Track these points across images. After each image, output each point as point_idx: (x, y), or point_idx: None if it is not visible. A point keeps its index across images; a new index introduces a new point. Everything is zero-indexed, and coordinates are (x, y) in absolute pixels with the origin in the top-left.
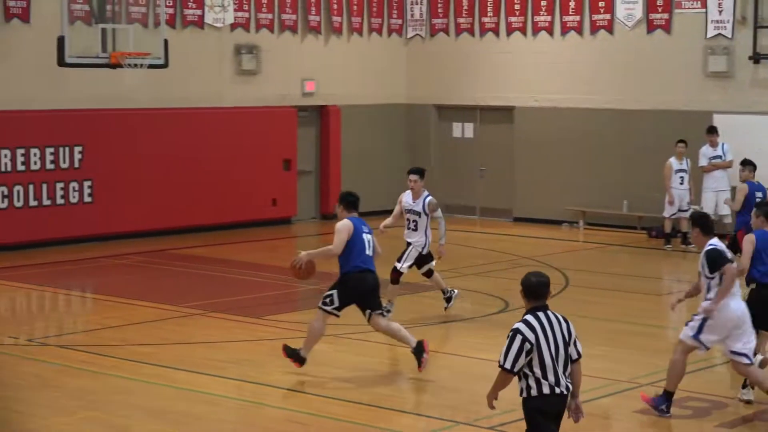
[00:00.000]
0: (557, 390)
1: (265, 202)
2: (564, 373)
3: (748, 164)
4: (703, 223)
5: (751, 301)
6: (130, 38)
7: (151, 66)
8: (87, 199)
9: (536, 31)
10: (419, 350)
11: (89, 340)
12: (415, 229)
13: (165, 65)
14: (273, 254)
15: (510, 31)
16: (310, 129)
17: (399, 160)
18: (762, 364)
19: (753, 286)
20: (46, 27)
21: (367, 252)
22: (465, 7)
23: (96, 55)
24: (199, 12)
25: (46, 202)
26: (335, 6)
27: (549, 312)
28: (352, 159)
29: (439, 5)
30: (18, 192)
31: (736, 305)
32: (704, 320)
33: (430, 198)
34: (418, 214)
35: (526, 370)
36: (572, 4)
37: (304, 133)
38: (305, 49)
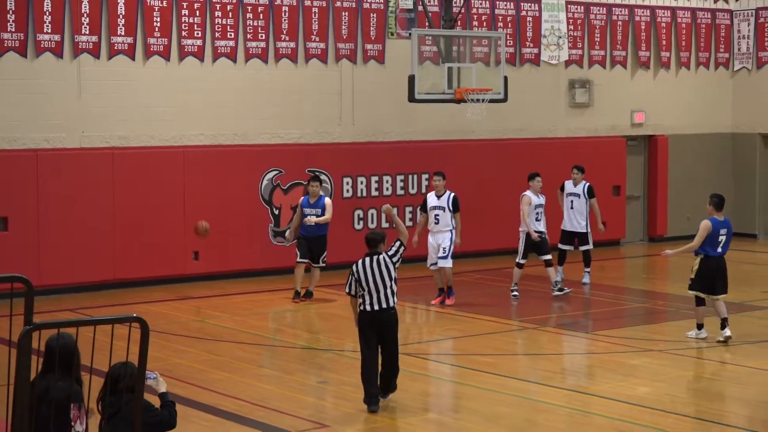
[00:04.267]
0: (376, 307)
1: (594, 225)
2: (387, 295)
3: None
4: None
5: (701, 270)
6: (473, 75)
7: (492, 101)
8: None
9: None
10: None
11: (432, 349)
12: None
13: (504, 99)
14: (602, 273)
15: None
16: (638, 157)
17: (724, 187)
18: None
19: (702, 256)
20: (399, 67)
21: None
22: None
23: (442, 91)
24: (536, 50)
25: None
26: (664, 42)
27: (376, 256)
28: (678, 185)
29: (767, 39)
30: (371, 215)
31: None
32: None
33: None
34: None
35: (360, 294)
36: None
37: (633, 161)
38: (635, 83)
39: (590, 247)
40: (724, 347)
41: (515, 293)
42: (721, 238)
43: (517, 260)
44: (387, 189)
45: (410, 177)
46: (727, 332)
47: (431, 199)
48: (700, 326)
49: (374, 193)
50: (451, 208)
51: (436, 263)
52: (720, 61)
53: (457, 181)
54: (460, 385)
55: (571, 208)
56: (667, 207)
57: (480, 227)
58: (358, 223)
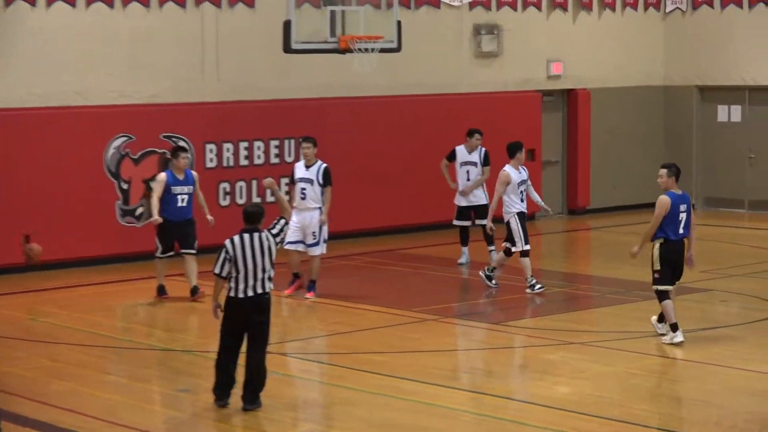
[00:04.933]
0: (250, 293)
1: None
2: (264, 281)
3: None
4: None
5: (665, 258)
6: (361, 21)
7: (383, 50)
8: None
9: None
10: None
11: (314, 348)
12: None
13: (398, 49)
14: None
15: None
16: (555, 116)
17: (655, 149)
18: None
19: (661, 240)
20: (272, 11)
21: None
22: None
23: (324, 40)
24: None
25: (270, 198)
26: None
27: (257, 234)
28: (602, 149)
29: None
30: (240, 188)
31: None
32: None
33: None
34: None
35: (231, 276)
36: None
37: (550, 121)
38: (551, 28)
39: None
40: (657, 337)
41: (539, 286)
42: (681, 216)
43: (521, 248)
44: (259, 157)
45: (286, 142)
46: (681, 336)
47: (299, 170)
48: (675, 327)
49: (243, 162)
50: (321, 181)
51: (296, 242)
52: (650, 2)
53: (342, 147)
54: (343, 389)
55: (468, 179)
56: (590, 174)
57: (368, 201)
58: (224, 199)
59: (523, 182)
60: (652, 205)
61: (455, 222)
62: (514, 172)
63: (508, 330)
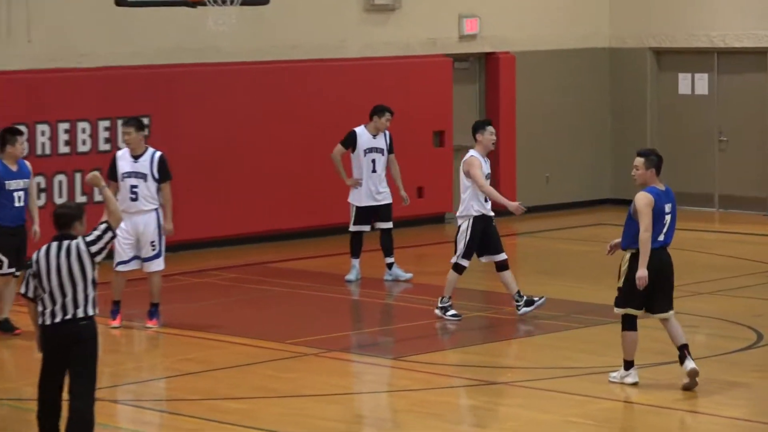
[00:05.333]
0: (58, 318)
1: (407, 193)
2: (77, 301)
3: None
4: None
5: (636, 269)
6: None
7: (246, 2)
8: None
9: None
10: None
11: (157, 393)
12: None
13: (265, 1)
14: (420, 267)
15: None
16: (470, 88)
17: (599, 128)
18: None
19: (633, 250)
20: None
21: None
22: None
23: None
24: None
25: (98, 197)
26: None
27: (66, 242)
28: (532, 130)
29: None
30: (60, 183)
31: None
32: None
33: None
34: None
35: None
36: None
37: (463, 94)
38: None
39: (391, 225)
40: (601, 374)
41: (452, 313)
42: (666, 218)
43: (455, 259)
44: (84, 143)
45: (120, 124)
46: (691, 364)
47: (124, 162)
48: (628, 364)
49: (63, 149)
50: (156, 174)
51: (127, 261)
52: None
53: (192, 129)
54: None
55: (374, 170)
56: (515, 163)
57: (227, 201)
58: (38, 197)
59: (488, 175)
60: (595, 204)
61: (353, 227)
62: (482, 160)
63: (412, 367)
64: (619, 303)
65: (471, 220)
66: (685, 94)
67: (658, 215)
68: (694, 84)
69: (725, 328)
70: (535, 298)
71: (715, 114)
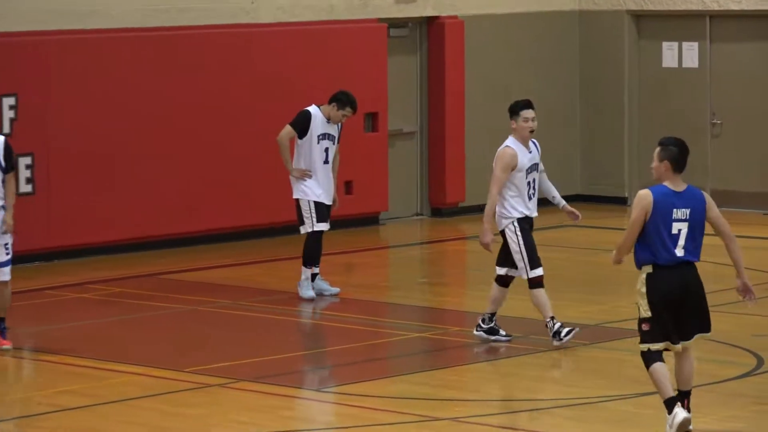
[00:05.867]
0: None
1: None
2: None
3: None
4: None
5: (651, 293)
6: None
7: None
8: (24, 188)
9: None
10: None
11: None
12: None
13: None
14: (350, 278)
15: None
16: (410, 59)
17: (568, 109)
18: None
19: (649, 269)
20: None
21: None
22: None
23: None
24: None
25: None
26: None
27: None
28: (484, 111)
29: None
30: None
31: None
32: None
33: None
34: None
35: None
36: None
37: (401, 67)
38: None
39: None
40: (570, 407)
41: (567, 330)
42: (678, 226)
43: (527, 275)
44: None
45: None
46: (683, 414)
47: None
48: (670, 403)
49: None
50: (1, 163)
51: None
52: None
53: (65, 112)
54: None
55: (326, 161)
56: (464, 152)
57: (110, 200)
58: None
59: (534, 167)
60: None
61: (317, 227)
62: (521, 150)
63: (340, 400)
64: (644, 338)
65: (516, 224)
66: (671, 67)
67: (663, 221)
68: (682, 55)
69: (720, 351)
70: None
71: (707, 92)
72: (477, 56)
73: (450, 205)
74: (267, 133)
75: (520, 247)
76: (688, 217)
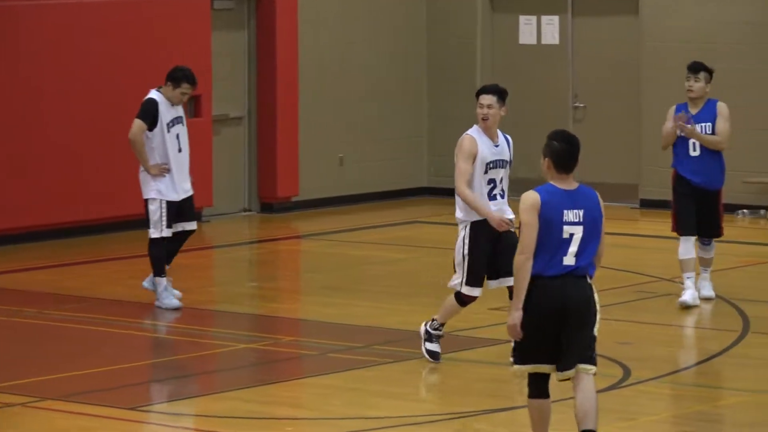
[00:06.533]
0: None
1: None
2: None
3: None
4: None
5: (531, 307)
6: None
7: None
8: None
9: None
10: None
11: None
12: None
13: None
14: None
15: None
16: (237, 35)
17: (414, 92)
18: None
19: (534, 280)
20: None
21: None
22: None
23: None
24: None
25: None
26: None
27: None
28: (320, 92)
29: None
30: None
31: None
32: None
33: None
34: None
35: None
36: None
37: (227, 44)
38: None
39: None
40: (416, 426)
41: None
42: (569, 230)
43: (458, 286)
44: None
45: None
46: None
47: None
48: None
49: None
50: None
51: None
52: None
53: None
54: None
55: (180, 149)
56: (298, 141)
57: None
58: None
59: (500, 163)
60: (407, 194)
61: (165, 233)
62: (483, 141)
63: (156, 419)
64: (515, 359)
65: (469, 227)
66: (529, 43)
67: (551, 226)
68: (541, 30)
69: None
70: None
71: (569, 71)
72: (312, 33)
73: (282, 199)
74: (79, 119)
75: (464, 256)
76: (581, 219)
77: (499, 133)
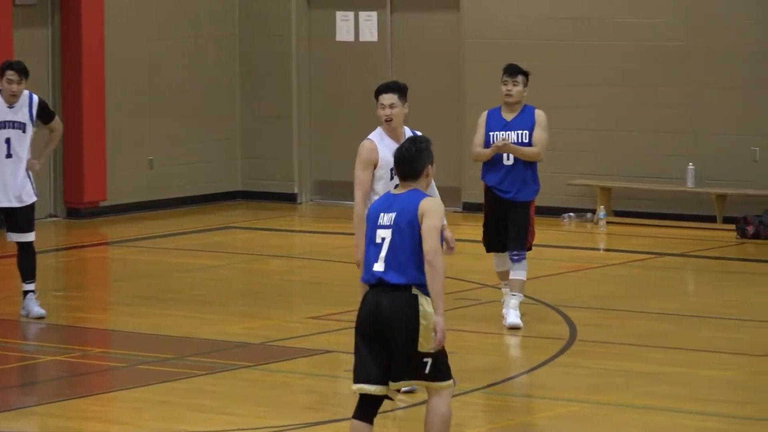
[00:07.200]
0: None
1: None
2: None
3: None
4: None
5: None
6: None
7: None
8: None
9: None
10: None
11: None
12: None
13: None
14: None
15: None
16: (40, 33)
17: (227, 92)
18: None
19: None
20: None
21: None
22: None
23: None
24: None
25: None
26: None
27: None
28: (127, 92)
29: None
30: None
31: None
32: None
33: None
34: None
35: None
36: None
37: (29, 42)
38: None
39: (34, 237)
40: None
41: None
42: (381, 234)
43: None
44: None
45: None
46: None
47: None
48: None
49: None
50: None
51: None
52: None
53: None
54: None
55: (8, 155)
56: (105, 143)
57: None
58: None
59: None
60: (220, 198)
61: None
62: (386, 145)
63: None
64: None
65: None
66: (346, 41)
67: (370, 228)
68: (359, 27)
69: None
70: None
71: (388, 70)
72: (119, 30)
73: (89, 204)
74: None
75: None
76: (392, 222)
77: (408, 131)
